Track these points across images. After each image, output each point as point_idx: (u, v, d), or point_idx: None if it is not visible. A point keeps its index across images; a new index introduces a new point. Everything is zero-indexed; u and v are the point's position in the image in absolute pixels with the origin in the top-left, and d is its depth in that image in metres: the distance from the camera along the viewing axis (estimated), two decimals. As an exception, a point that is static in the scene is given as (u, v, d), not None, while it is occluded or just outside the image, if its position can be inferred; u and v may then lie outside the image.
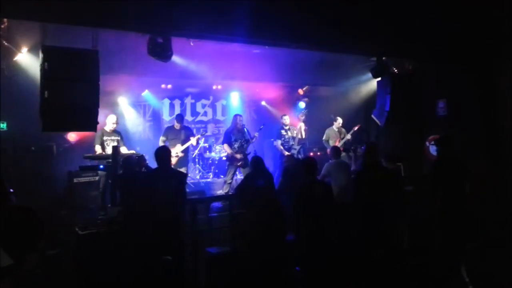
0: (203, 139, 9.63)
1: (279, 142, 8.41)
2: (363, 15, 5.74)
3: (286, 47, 6.26)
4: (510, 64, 6.16)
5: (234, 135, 7.70)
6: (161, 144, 7.37)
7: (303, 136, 8.66)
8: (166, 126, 8.32)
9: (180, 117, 7.95)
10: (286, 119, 8.55)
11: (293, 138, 8.46)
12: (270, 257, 4.52)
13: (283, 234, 4.85)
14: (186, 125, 8.51)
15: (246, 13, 5.02)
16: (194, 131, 9.70)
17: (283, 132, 8.48)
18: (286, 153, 8.19)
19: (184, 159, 7.86)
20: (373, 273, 4.48)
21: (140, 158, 6.24)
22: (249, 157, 7.49)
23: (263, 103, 10.98)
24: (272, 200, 5.01)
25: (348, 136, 8.61)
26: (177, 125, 7.81)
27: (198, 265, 4.91)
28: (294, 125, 8.77)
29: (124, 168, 5.47)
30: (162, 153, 4.86)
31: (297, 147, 8.37)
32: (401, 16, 5.92)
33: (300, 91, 10.64)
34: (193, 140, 7.94)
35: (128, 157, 5.69)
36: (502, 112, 6.34)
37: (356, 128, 8.49)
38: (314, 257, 4.41)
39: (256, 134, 7.93)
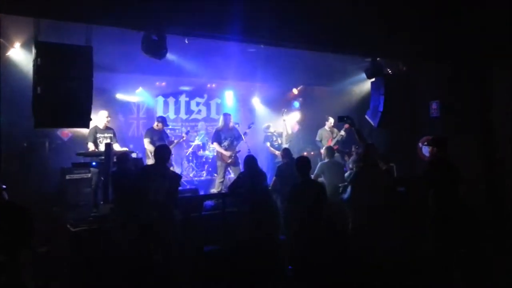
0: (196, 137, 9.69)
1: (268, 144, 8.58)
2: (357, 16, 5.75)
3: (281, 46, 6.26)
4: (504, 65, 6.20)
5: (224, 133, 7.73)
6: (147, 145, 7.40)
7: (289, 132, 8.79)
8: (146, 128, 8.25)
9: (162, 119, 7.99)
10: (270, 129, 8.96)
11: (280, 136, 8.63)
12: (263, 255, 4.54)
13: (275, 232, 4.87)
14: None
15: (242, 12, 5.02)
16: (188, 128, 9.73)
17: (268, 133, 8.74)
18: (277, 152, 8.25)
19: (173, 159, 7.98)
20: (365, 273, 4.50)
21: (137, 161, 6.24)
22: (239, 155, 7.55)
23: (257, 102, 10.98)
24: (264, 199, 5.02)
25: (342, 133, 8.64)
26: (159, 126, 7.79)
27: (191, 263, 4.91)
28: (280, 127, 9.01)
29: (118, 165, 5.44)
30: (163, 152, 4.85)
31: (286, 145, 8.42)
32: (396, 17, 5.95)
33: (295, 91, 10.67)
34: (177, 142, 8.17)
35: (122, 154, 5.66)
36: (495, 114, 6.39)
37: (346, 126, 8.50)
38: (306, 256, 4.42)
39: (247, 131, 8.02)
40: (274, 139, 8.67)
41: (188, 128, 9.71)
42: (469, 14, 6.08)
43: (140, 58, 5.39)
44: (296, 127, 9.96)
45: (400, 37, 6.18)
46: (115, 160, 5.61)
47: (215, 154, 8.36)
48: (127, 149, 7.03)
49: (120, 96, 9.20)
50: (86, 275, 4.42)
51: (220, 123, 7.92)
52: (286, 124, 8.92)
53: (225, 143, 7.67)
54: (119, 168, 5.43)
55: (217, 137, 7.71)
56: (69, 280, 4.55)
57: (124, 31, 5.06)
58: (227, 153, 7.58)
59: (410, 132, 7.59)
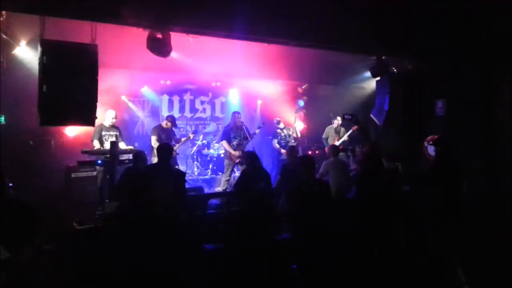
0: (201, 136, 9.70)
1: (275, 141, 8.55)
2: (362, 14, 5.73)
3: (286, 44, 6.25)
4: (510, 63, 6.15)
5: (233, 132, 7.72)
6: (154, 143, 7.42)
7: (298, 136, 8.80)
8: (153, 126, 8.23)
9: (172, 119, 7.96)
10: (281, 124, 8.80)
11: (289, 135, 8.60)
12: (261, 254, 4.53)
13: (271, 231, 4.86)
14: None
15: (246, 10, 5.01)
16: (192, 127, 9.74)
17: (278, 130, 8.62)
18: (283, 150, 8.24)
19: (178, 158, 7.99)
20: (370, 272, 4.48)
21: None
22: (247, 155, 7.53)
23: (262, 101, 10.95)
24: (263, 197, 5.01)
25: (345, 137, 8.66)
26: (168, 125, 7.78)
27: (195, 262, 4.91)
28: (290, 124, 8.94)
29: (134, 163, 5.45)
30: (165, 151, 4.86)
31: (294, 144, 8.42)
32: (401, 15, 5.91)
33: (300, 89, 10.64)
34: (184, 140, 8.08)
35: (139, 153, 5.64)
36: (501, 112, 6.34)
37: (354, 128, 8.51)
38: (311, 255, 4.41)
39: (257, 131, 7.98)
40: (283, 136, 8.65)
41: (193, 127, 9.72)
42: (475, 12, 6.03)
43: (145, 56, 5.40)
44: (302, 126, 9.96)
45: (405, 35, 6.15)
46: (132, 157, 5.64)
47: (222, 152, 8.36)
48: (132, 147, 7.05)
49: (124, 94, 9.22)
50: (91, 273, 4.43)
51: (230, 121, 7.90)
52: (296, 129, 8.89)
53: (234, 142, 7.68)
54: (135, 166, 5.43)
55: (227, 136, 7.70)
56: (74, 278, 4.56)
57: (129, 29, 5.07)
58: (236, 153, 7.58)
59: (416, 131, 7.55)
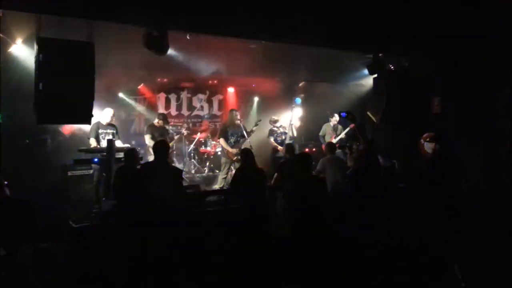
0: (198, 134, 9.70)
1: (271, 138, 8.53)
2: (359, 12, 5.73)
3: (283, 42, 6.25)
4: (507, 61, 6.16)
5: (231, 129, 7.70)
6: (148, 142, 7.42)
7: (295, 135, 8.80)
8: (148, 124, 8.20)
9: (164, 116, 8.01)
10: (277, 123, 8.77)
11: (285, 133, 8.60)
12: (258, 251, 4.54)
13: (268, 228, 4.87)
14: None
15: (243, 8, 5.00)
16: (190, 125, 9.73)
17: (274, 128, 8.62)
18: (280, 147, 8.24)
19: (175, 156, 7.98)
20: (366, 270, 4.49)
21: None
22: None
23: (259, 98, 10.96)
24: (259, 194, 5.01)
25: (342, 135, 8.67)
26: (160, 123, 7.80)
27: (193, 259, 4.91)
28: (286, 121, 8.98)
29: (126, 161, 5.43)
30: (161, 148, 4.85)
31: (291, 142, 8.42)
32: (398, 12, 5.91)
33: (297, 87, 10.64)
34: (178, 138, 8.15)
35: (130, 150, 5.62)
36: (497, 110, 6.35)
37: (351, 126, 8.52)
38: (308, 252, 4.42)
39: (254, 129, 7.97)
40: (279, 133, 8.65)
41: (190, 125, 9.70)
42: (473, 9, 6.03)
43: (142, 54, 5.38)
44: (299, 124, 9.96)
45: (402, 33, 6.16)
46: (124, 155, 5.62)
47: (219, 150, 8.32)
48: (129, 145, 7.03)
49: (121, 92, 9.19)
50: (88, 271, 4.43)
51: (227, 119, 7.89)
52: (293, 128, 8.90)
53: (232, 140, 7.66)
54: (127, 164, 5.42)
55: (224, 134, 7.69)
56: (71, 276, 4.56)
57: (126, 27, 5.06)
58: (233, 151, 7.57)
59: (412, 128, 7.57)
